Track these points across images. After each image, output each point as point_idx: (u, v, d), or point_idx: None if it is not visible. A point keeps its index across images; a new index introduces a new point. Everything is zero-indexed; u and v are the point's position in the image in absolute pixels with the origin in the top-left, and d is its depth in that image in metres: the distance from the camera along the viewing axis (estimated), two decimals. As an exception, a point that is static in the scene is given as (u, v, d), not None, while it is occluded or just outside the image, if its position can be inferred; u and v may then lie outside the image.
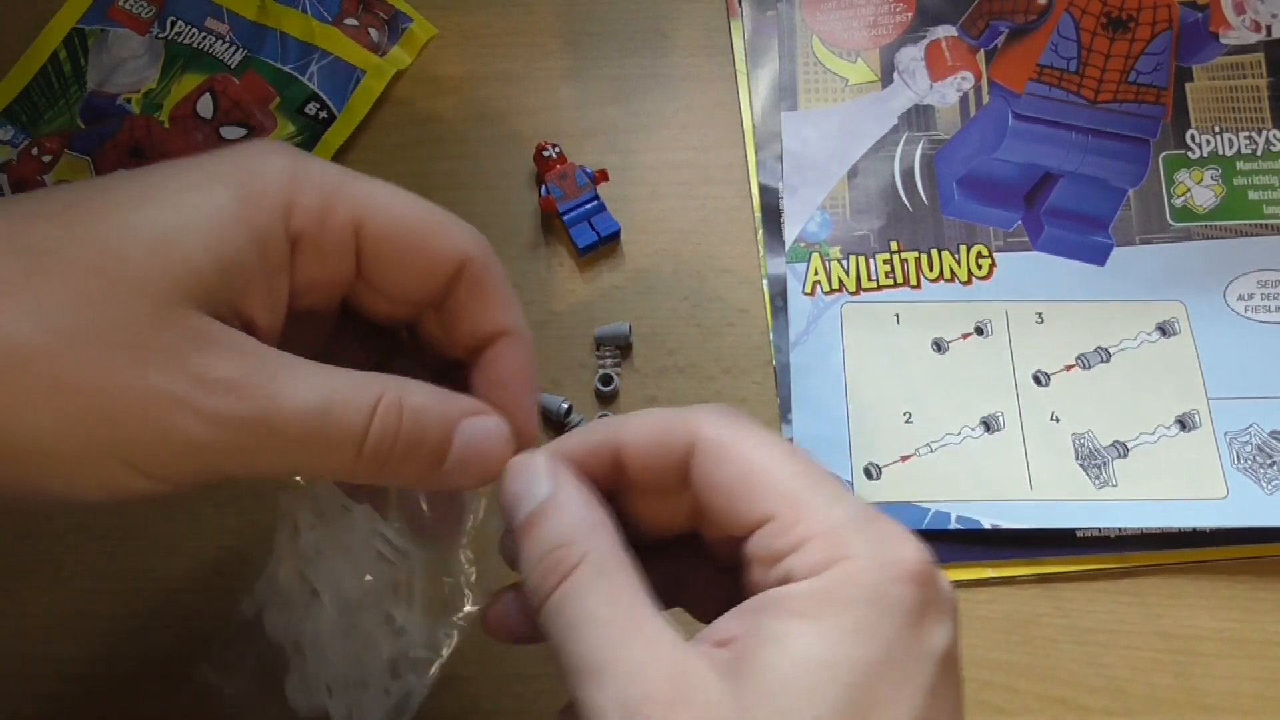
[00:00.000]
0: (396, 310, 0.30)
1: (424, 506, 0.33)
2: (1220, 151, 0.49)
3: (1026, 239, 0.48)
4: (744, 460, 0.26)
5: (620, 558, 0.25)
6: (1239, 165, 0.49)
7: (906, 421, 0.45)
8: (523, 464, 0.27)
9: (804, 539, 0.24)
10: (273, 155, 0.27)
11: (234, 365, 0.24)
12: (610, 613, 0.24)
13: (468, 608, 0.35)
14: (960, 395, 0.45)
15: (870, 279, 0.48)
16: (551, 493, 0.26)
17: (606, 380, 0.45)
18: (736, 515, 0.26)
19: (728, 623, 0.25)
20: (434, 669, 0.40)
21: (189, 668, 0.43)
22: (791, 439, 0.44)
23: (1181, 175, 0.49)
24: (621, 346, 0.47)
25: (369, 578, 0.34)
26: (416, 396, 0.27)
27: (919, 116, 0.51)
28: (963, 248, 0.48)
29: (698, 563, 0.29)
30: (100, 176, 0.25)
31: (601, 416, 0.45)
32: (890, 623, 0.23)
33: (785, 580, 0.24)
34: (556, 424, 0.45)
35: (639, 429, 0.27)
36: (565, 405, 0.45)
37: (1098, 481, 0.43)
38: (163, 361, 0.24)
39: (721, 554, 0.28)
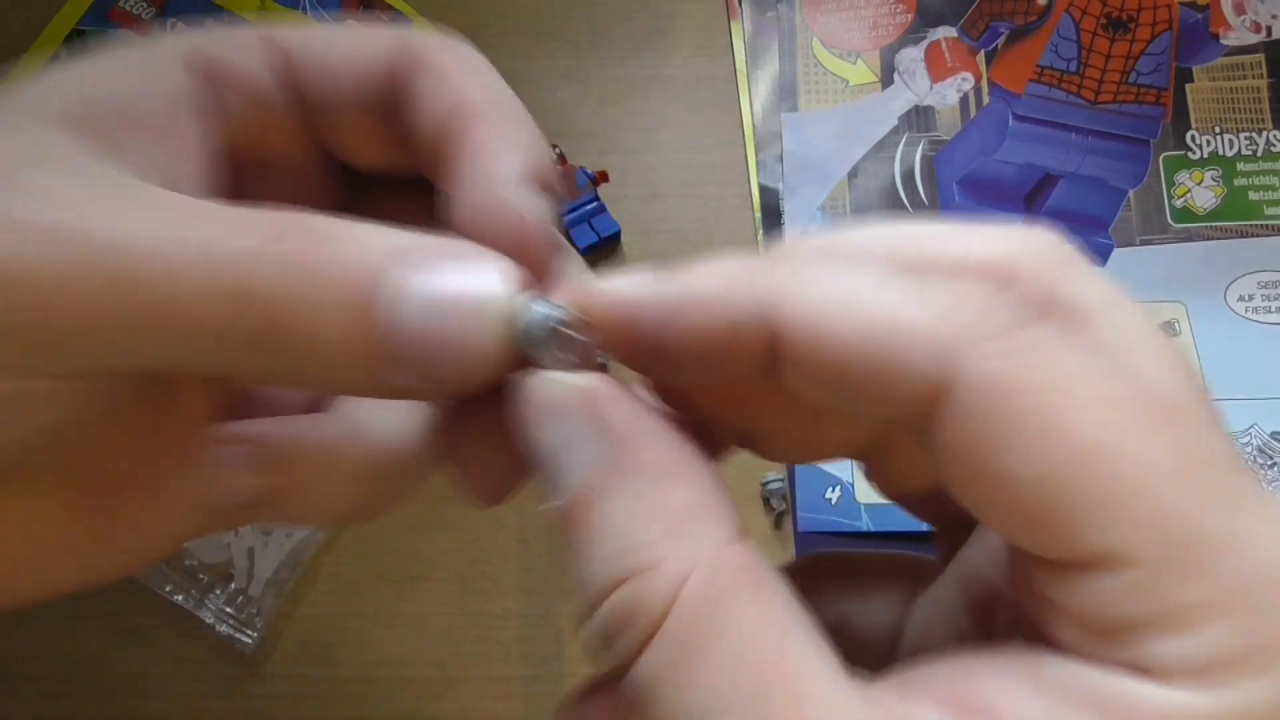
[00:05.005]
0: (367, 136, 0.21)
1: None
2: (1220, 152, 0.49)
3: (1027, 240, 0.48)
4: (1062, 437, 0.13)
5: (747, 563, 0.14)
6: (1239, 166, 0.49)
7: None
8: (552, 394, 0.17)
9: (1194, 607, 0.13)
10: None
11: (73, 183, 0.16)
12: (750, 684, 0.13)
13: None
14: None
15: (870, 280, 0.48)
16: (612, 456, 0.15)
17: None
18: (1030, 535, 0.14)
19: (995, 691, 0.14)
20: None
21: (190, 666, 0.43)
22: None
23: (1182, 176, 0.49)
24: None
25: None
26: (317, 224, 0.16)
27: (919, 117, 0.51)
28: (963, 248, 0.48)
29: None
30: None
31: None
32: None
33: (1139, 669, 0.13)
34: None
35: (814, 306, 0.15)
36: None
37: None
38: None
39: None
